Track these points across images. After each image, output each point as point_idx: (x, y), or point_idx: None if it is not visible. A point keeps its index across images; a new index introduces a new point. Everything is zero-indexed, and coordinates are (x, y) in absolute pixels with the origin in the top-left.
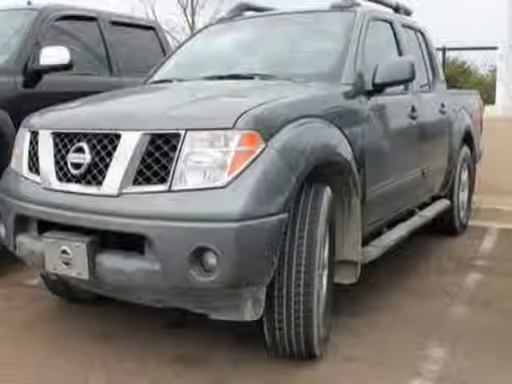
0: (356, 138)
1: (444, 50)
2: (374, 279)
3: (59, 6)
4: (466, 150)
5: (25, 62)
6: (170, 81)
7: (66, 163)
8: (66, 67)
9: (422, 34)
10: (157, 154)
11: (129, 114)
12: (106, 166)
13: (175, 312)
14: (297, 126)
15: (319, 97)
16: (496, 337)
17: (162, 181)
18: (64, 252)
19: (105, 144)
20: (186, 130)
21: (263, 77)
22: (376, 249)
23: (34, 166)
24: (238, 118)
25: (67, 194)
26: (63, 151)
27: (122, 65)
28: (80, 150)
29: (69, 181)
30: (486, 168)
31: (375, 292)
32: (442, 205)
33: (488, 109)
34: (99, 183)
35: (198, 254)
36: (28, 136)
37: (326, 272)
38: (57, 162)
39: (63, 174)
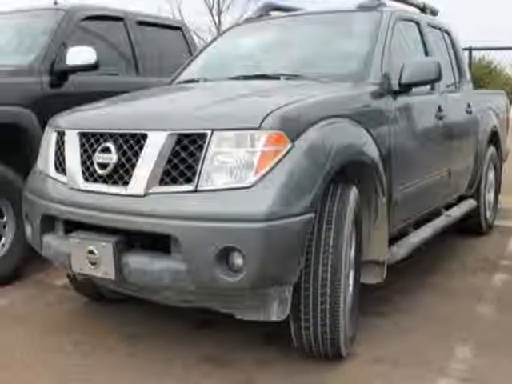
0: (382, 137)
1: (470, 49)
2: (402, 279)
3: (85, 6)
4: (492, 149)
5: (51, 62)
6: (196, 81)
7: (92, 163)
8: (93, 67)
9: (448, 33)
10: (183, 154)
11: (155, 114)
12: (133, 166)
13: (202, 312)
14: (323, 126)
15: (346, 97)
16: None
17: (189, 181)
18: (90, 252)
19: (131, 144)
20: (213, 129)
21: (289, 77)
22: (402, 249)
23: (60, 166)
24: (264, 118)
25: (93, 194)
26: (89, 151)
27: (148, 65)
28: (106, 150)
29: (95, 181)
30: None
31: (403, 292)
32: (468, 205)
33: None
34: (125, 183)
35: (225, 254)
36: (54, 136)
37: (352, 272)
38: (83, 162)
39: (89, 174)
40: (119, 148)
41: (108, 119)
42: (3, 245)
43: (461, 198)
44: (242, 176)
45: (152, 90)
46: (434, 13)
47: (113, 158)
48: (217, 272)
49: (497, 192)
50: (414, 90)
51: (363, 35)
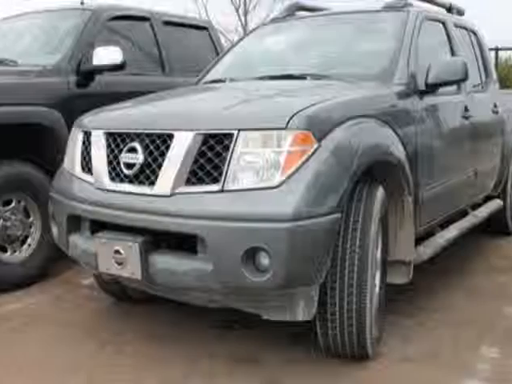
0: (409, 137)
1: (497, 49)
2: (428, 279)
3: (112, 6)
4: None
5: (78, 62)
6: (222, 81)
7: (118, 163)
8: (119, 67)
9: (474, 33)
10: (210, 154)
11: (182, 114)
12: (159, 166)
13: (228, 312)
14: (350, 126)
15: (372, 97)
16: None
17: (215, 181)
18: (117, 252)
19: (157, 144)
20: (239, 130)
21: (316, 77)
22: (429, 249)
23: (86, 166)
24: (290, 118)
25: (120, 194)
26: (116, 151)
27: (174, 65)
28: (133, 150)
29: (121, 181)
30: None
31: (429, 292)
32: (494, 205)
33: None
34: (152, 183)
35: (251, 254)
36: (81, 136)
37: (378, 272)
38: (109, 162)
39: (116, 174)
40: (145, 148)
41: (134, 119)
42: (29, 245)
43: (487, 198)
44: (269, 176)
45: (178, 90)
46: (460, 13)
47: (139, 158)
48: (243, 272)
49: None
50: (441, 90)
51: (389, 35)
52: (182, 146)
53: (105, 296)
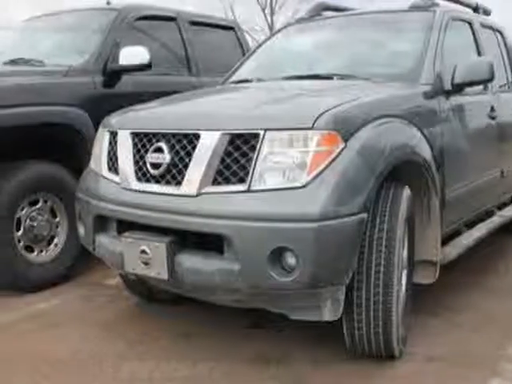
0: (435, 137)
1: None
2: (453, 279)
3: (138, 5)
4: None
5: (104, 62)
6: (249, 81)
7: (144, 163)
8: (146, 67)
9: (501, 33)
10: (236, 154)
11: (208, 114)
12: (185, 165)
13: (255, 312)
14: (376, 126)
15: (398, 97)
16: None
17: (241, 181)
18: (143, 252)
19: (184, 144)
20: (265, 129)
21: (342, 77)
22: (455, 249)
23: (112, 165)
24: (317, 118)
25: (146, 194)
26: (142, 151)
27: (201, 65)
28: (159, 150)
29: (148, 181)
30: None
31: (454, 292)
32: None
33: None
34: (178, 183)
35: (278, 254)
36: (107, 136)
37: (405, 272)
38: (136, 162)
39: (142, 174)
40: (172, 148)
41: (160, 119)
42: (56, 244)
43: None
44: (295, 176)
45: (204, 90)
46: (486, 13)
47: (165, 158)
48: (269, 272)
49: None
50: (467, 90)
51: (416, 35)
52: (208, 145)
53: (131, 296)
